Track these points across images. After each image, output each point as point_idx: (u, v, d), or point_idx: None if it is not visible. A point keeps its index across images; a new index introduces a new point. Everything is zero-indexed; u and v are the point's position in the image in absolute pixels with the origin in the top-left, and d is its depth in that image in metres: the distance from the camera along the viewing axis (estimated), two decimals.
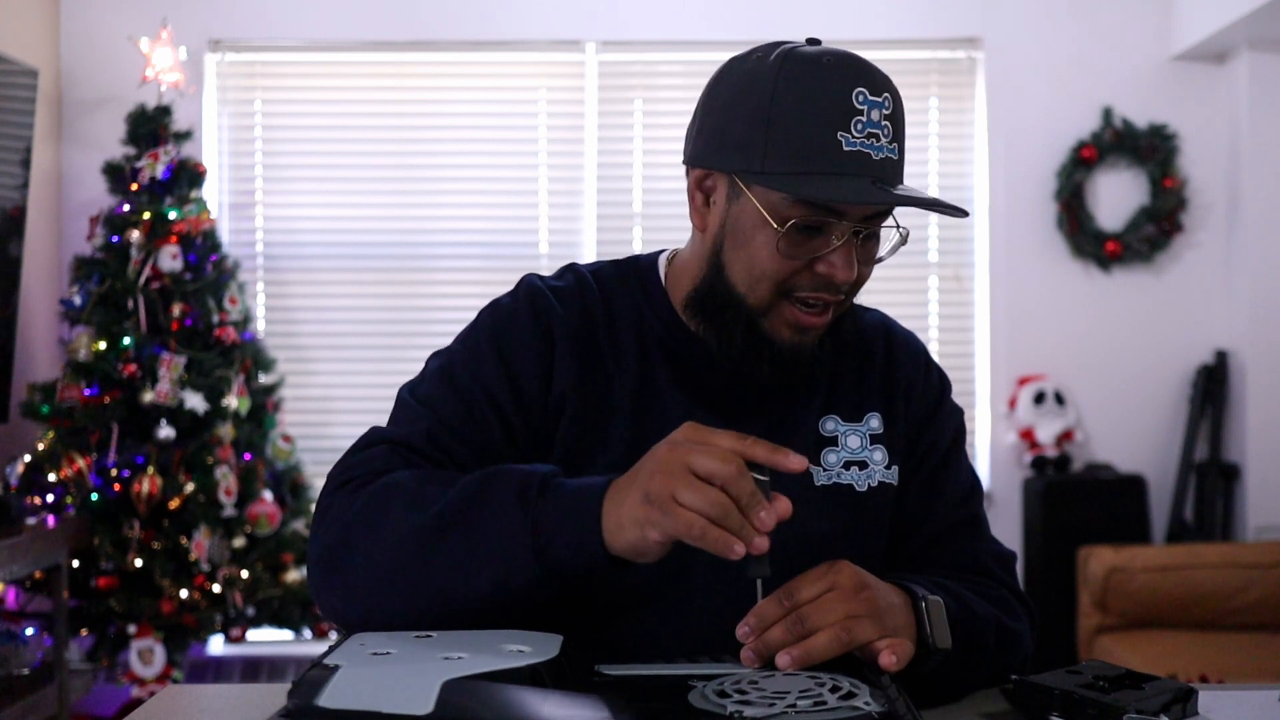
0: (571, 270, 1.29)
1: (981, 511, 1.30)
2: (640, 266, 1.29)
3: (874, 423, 1.25)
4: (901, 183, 1.14)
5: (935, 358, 1.36)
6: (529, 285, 1.26)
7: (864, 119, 1.10)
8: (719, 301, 1.18)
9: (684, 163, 1.22)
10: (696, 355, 1.22)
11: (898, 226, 1.18)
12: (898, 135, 1.13)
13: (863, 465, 1.23)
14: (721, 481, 0.95)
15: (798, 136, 1.10)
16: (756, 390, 1.22)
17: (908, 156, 1.19)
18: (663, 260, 1.29)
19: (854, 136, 1.10)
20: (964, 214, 1.15)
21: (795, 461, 0.98)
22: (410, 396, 1.21)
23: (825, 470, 1.22)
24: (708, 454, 0.96)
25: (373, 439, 1.18)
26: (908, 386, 1.28)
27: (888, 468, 1.24)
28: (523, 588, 1.02)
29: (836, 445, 1.23)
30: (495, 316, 1.24)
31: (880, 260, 1.19)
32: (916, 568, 1.24)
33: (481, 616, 1.03)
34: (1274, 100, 4.00)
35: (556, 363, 1.20)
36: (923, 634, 1.06)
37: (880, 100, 1.11)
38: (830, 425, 1.24)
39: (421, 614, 1.04)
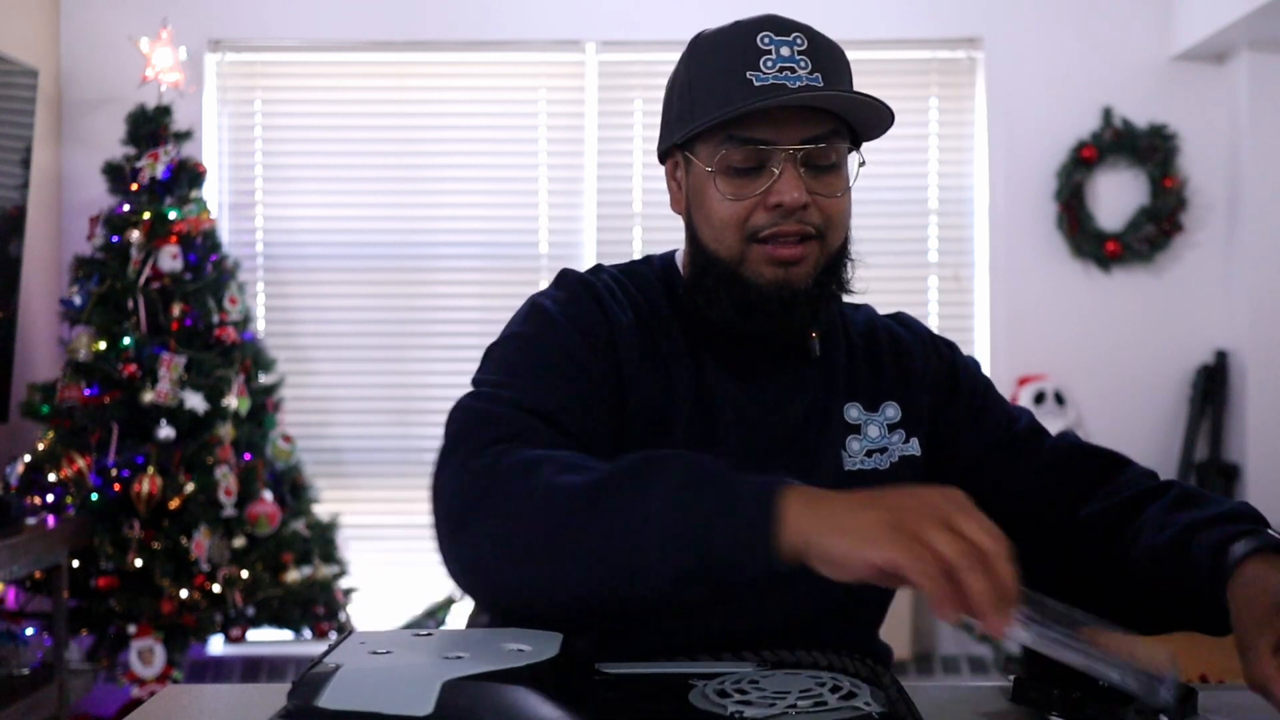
0: (604, 270, 1.30)
1: (1034, 421, 1.34)
2: (659, 265, 1.31)
3: (890, 412, 1.28)
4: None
5: None
6: (575, 275, 1.25)
7: (773, 57, 1.15)
8: (701, 268, 1.22)
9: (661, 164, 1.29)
10: (734, 346, 1.24)
11: (856, 149, 1.22)
12: (823, 66, 1.16)
13: (883, 451, 1.26)
14: (984, 549, 0.85)
15: (713, 90, 1.16)
16: (788, 378, 1.25)
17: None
18: (678, 257, 1.31)
19: (765, 73, 1.14)
20: (889, 113, 1.19)
21: (1000, 627, 0.85)
22: (486, 386, 1.13)
23: (850, 457, 1.25)
24: (979, 524, 0.86)
25: (496, 398, 1.10)
26: (923, 369, 1.31)
27: (905, 443, 1.27)
28: (667, 580, 0.91)
29: (859, 433, 1.26)
30: (553, 299, 1.21)
31: (849, 189, 1.21)
32: (1020, 485, 1.26)
33: (598, 608, 0.96)
34: (1274, 100, 4.00)
35: (620, 348, 1.19)
36: None
37: (790, 38, 1.16)
38: (854, 413, 1.27)
39: (551, 594, 0.96)
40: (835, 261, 1.22)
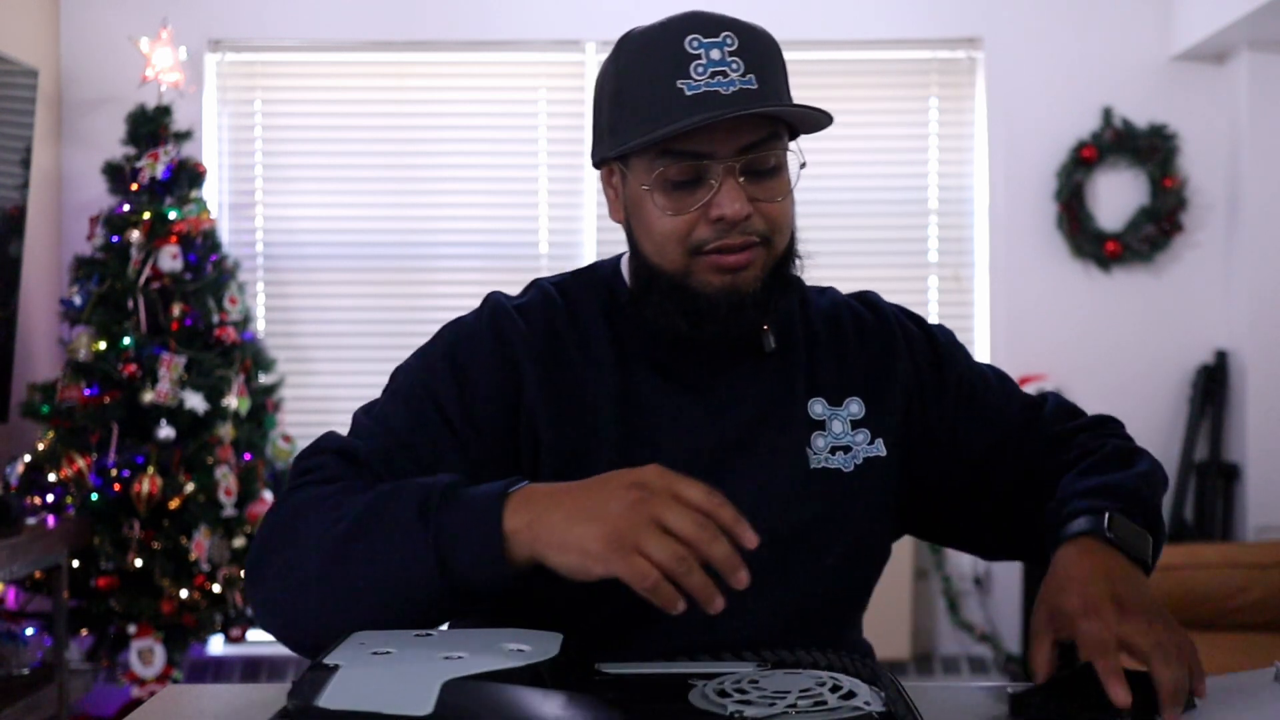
0: (535, 286, 1.29)
1: (1023, 394, 1.34)
2: (605, 272, 1.29)
3: (854, 407, 1.25)
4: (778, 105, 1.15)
5: None
6: (494, 304, 1.26)
7: (703, 61, 1.12)
8: (645, 280, 1.20)
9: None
10: (675, 350, 1.22)
11: (797, 152, 1.19)
12: (754, 67, 1.13)
13: (846, 449, 1.23)
14: (696, 543, 0.94)
15: (643, 100, 1.14)
16: (740, 376, 1.23)
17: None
18: (624, 263, 1.29)
19: (695, 80, 1.11)
20: (828, 116, 1.16)
21: (751, 538, 0.96)
22: (365, 414, 1.20)
23: (815, 454, 1.22)
24: (682, 514, 0.95)
25: (326, 445, 1.16)
26: (894, 364, 1.27)
27: (870, 444, 1.24)
28: (429, 601, 1.00)
29: (824, 430, 1.23)
30: (456, 334, 1.24)
31: (791, 190, 1.18)
32: (1019, 478, 1.27)
33: (399, 626, 1.01)
34: (1274, 100, 4.00)
35: (525, 390, 1.19)
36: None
37: (719, 40, 1.13)
38: (819, 409, 1.24)
39: (336, 626, 1.01)
40: (782, 262, 1.19)
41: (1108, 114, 4.13)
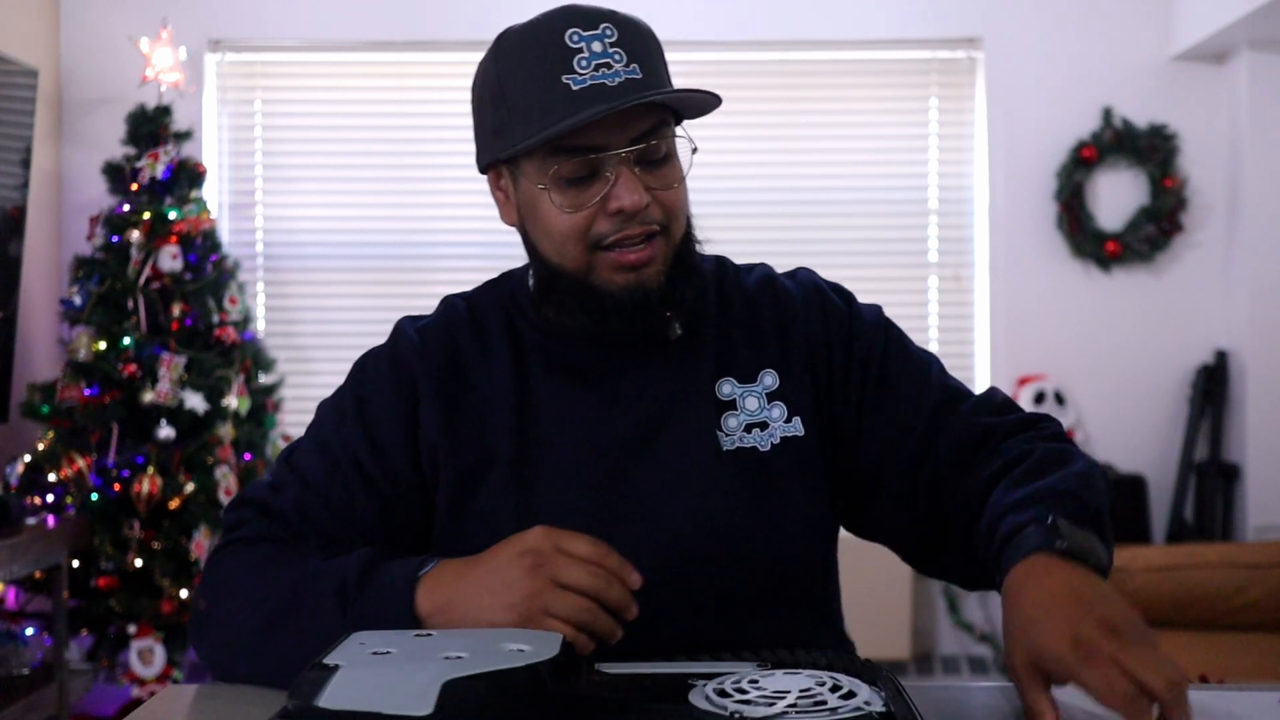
0: (444, 302, 1.30)
1: (951, 382, 1.26)
2: (513, 279, 1.29)
3: (768, 380, 1.23)
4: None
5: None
6: (397, 329, 1.28)
7: (585, 55, 1.12)
8: (547, 281, 1.20)
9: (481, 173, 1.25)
10: (576, 349, 1.22)
11: (688, 138, 1.18)
12: (638, 56, 1.13)
13: (763, 426, 1.21)
14: (593, 593, 1.01)
15: (529, 99, 1.13)
16: (644, 367, 1.22)
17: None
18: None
19: (580, 74, 1.11)
20: (716, 98, 1.15)
21: (636, 579, 1.03)
22: (285, 462, 1.24)
23: (728, 435, 1.20)
24: (575, 568, 1.02)
25: (250, 498, 1.23)
26: (806, 335, 1.25)
27: (787, 421, 1.22)
28: None
29: (735, 409, 1.21)
30: (363, 367, 1.28)
31: (684, 176, 1.18)
32: (933, 476, 1.20)
33: None
34: (1274, 100, 4.00)
35: (422, 412, 1.21)
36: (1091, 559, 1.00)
37: (598, 32, 1.12)
38: (727, 389, 1.22)
39: (272, 686, 1.08)
40: (682, 250, 1.19)
41: (1108, 114, 4.14)
